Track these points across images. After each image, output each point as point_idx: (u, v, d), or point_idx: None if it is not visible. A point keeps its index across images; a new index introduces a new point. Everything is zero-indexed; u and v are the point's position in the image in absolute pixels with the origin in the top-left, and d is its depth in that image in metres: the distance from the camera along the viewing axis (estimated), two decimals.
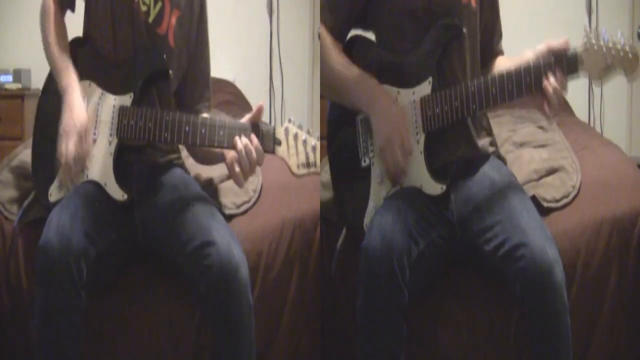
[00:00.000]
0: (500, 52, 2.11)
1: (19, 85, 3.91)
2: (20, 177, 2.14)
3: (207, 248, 1.79)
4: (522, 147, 2.44)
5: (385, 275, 1.73)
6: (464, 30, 1.91)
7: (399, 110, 1.90)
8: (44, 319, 1.74)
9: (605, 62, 1.79)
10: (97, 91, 1.93)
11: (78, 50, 1.99)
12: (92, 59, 1.97)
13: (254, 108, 1.84)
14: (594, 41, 1.79)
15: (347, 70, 1.94)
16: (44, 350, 1.74)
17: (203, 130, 1.83)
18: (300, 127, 1.80)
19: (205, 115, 2.02)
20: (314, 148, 1.78)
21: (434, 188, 1.88)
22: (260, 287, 1.99)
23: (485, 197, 1.89)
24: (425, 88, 1.90)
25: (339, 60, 1.95)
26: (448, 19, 1.90)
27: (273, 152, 1.81)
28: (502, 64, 2.01)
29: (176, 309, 1.95)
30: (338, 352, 2.06)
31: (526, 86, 1.82)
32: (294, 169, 1.79)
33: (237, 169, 1.81)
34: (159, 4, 1.96)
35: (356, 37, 2.03)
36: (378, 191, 1.94)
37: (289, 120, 1.81)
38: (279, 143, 1.80)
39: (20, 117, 3.82)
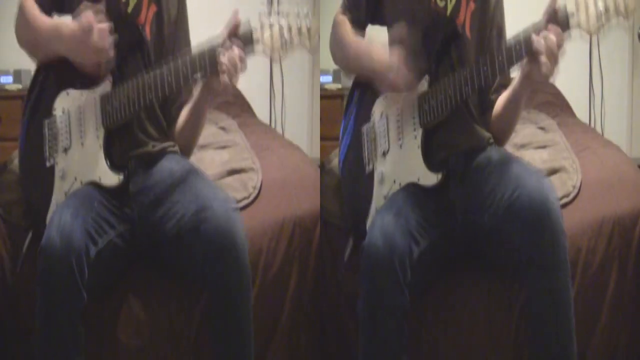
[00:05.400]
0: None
1: (19, 86, 3.90)
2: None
3: (203, 212, 1.78)
4: (522, 149, 2.43)
5: (387, 275, 1.73)
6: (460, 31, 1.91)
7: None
8: (45, 319, 1.74)
9: (596, 9, 1.68)
10: (76, 94, 1.92)
11: (56, 64, 1.95)
12: (69, 63, 1.93)
13: (232, 20, 1.84)
14: None
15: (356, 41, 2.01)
16: (45, 351, 1.75)
17: (184, 69, 1.81)
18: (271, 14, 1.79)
19: None
20: (289, 28, 1.77)
21: (430, 178, 1.87)
22: (260, 285, 1.98)
23: (484, 176, 1.87)
24: (422, 86, 1.91)
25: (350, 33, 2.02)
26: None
27: (253, 52, 1.81)
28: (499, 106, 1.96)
29: (176, 309, 1.95)
30: (338, 351, 2.06)
31: (517, 54, 1.77)
32: (276, 57, 1.80)
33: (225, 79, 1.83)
34: None
35: None
36: (379, 192, 1.94)
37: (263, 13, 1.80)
38: (257, 42, 1.80)
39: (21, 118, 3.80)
